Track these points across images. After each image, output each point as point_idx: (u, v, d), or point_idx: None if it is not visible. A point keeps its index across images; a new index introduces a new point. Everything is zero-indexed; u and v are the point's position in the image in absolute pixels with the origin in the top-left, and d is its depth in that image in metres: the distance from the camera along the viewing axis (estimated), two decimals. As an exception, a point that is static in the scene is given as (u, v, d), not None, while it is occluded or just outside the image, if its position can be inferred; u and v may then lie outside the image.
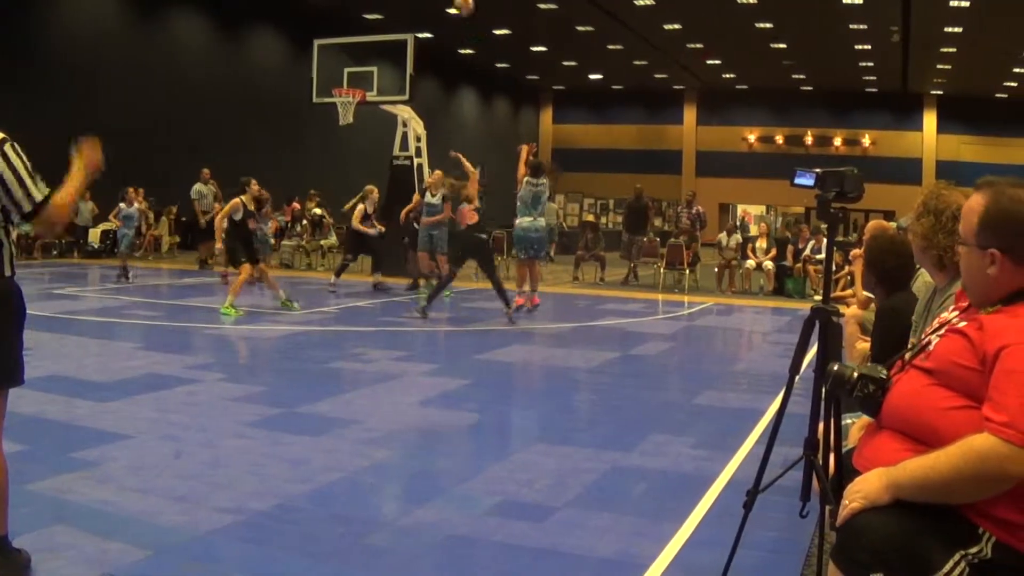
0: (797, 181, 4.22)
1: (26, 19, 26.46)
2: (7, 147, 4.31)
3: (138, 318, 14.44)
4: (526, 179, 16.23)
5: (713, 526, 5.58)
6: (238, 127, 32.72)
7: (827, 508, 3.92)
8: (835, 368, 3.53)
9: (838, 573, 3.05)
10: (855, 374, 3.43)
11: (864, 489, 3.06)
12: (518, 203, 16.47)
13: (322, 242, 26.85)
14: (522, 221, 16.34)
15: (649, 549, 5.21)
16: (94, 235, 27.13)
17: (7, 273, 4.36)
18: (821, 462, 4.02)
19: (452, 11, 19.15)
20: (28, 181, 4.33)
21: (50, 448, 6.81)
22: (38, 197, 4.37)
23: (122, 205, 20.80)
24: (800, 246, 21.80)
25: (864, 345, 6.44)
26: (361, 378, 10.19)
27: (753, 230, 29.44)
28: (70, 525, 5.25)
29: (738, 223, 31.78)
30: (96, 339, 12.17)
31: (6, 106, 24.29)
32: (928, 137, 51.12)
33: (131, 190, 21.19)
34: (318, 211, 27.40)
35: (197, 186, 24.36)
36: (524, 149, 16.63)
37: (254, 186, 15.92)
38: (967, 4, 30.00)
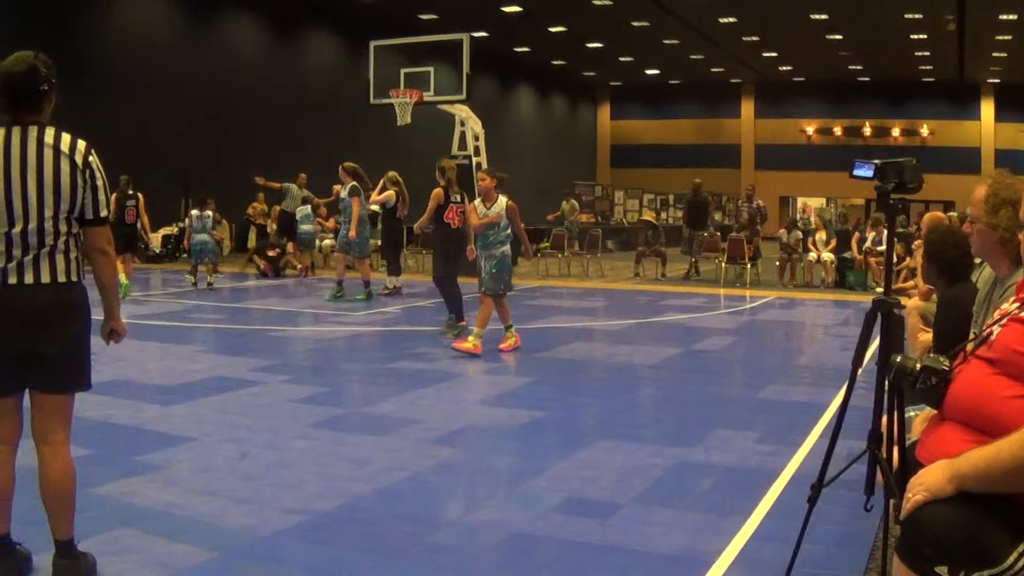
0: (856, 173, 4.20)
1: (80, 25, 26.78)
2: (93, 152, 4.44)
3: (201, 321, 14.58)
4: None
5: (778, 521, 5.54)
6: (293, 130, 32.90)
7: (891, 501, 3.89)
8: (898, 360, 3.50)
9: (903, 567, 3.02)
10: (918, 365, 3.40)
11: (927, 481, 3.03)
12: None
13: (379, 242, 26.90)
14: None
15: (714, 544, 5.18)
16: (155, 240, 27.37)
17: (75, 279, 4.41)
18: (885, 455, 3.99)
19: None
20: (104, 190, 4.43)
21: (115, 452, 6.89)
22: (104, 212, 4.46)
23: (195, 212, 20.81)
24: (865, 235, 21.60)
25: (926, 336, 6.39)
26: (424, 377, 10.20)
27: (811, 222, 29.21)
28: (135, 528, 5.30)
29: (798, 218, 31.45)
30: (159, 343, 12.27)
31: (59, 112, 24.65)
32: (986, 126, 50.63)
33: (210, 201, 21.16)
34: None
35: (291, 188, 24.46)
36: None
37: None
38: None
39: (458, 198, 13.77)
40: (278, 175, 24.28)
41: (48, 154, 4.26)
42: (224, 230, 28.64)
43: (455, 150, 24.32)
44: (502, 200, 12.20)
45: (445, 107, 24.22)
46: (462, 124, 24.29)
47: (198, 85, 30.19)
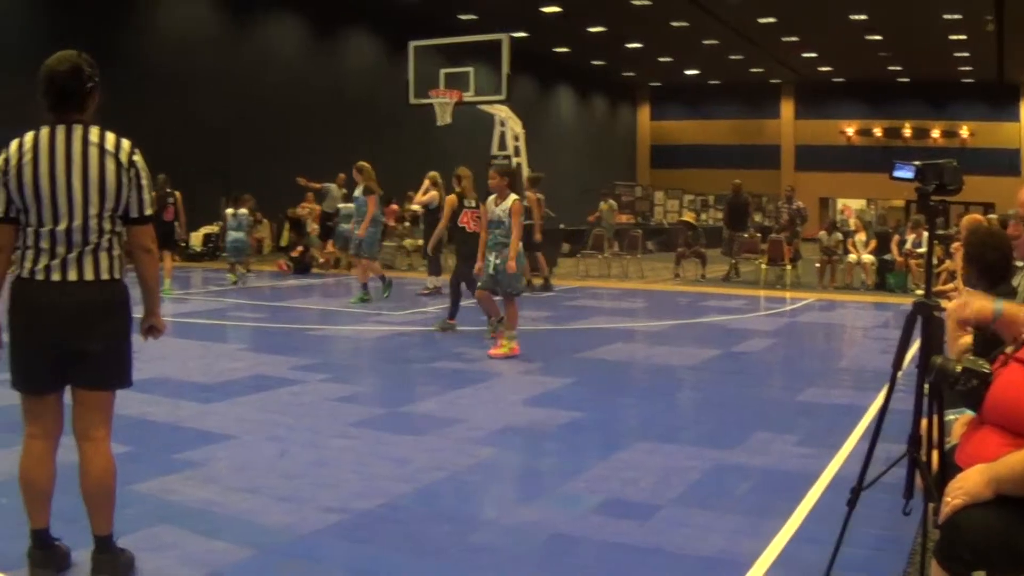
0: (896, 174, 4.19)
1: (122, 22, 26.98)
2: (137, 151, 4.49)
3: (241, 320, 14.66)
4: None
5: (816, 524, 5.51)
6: (334, 130, 33.01)
7: (930, 505, 3.88)
8: (939, 361, 3.49)
9: (941, 571, 3.02)
10: (959, 367, 3.40)
11: (966, 485, 3.02)
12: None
13: (421, 241, 26.99)
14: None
15: (752, 547, 5.16)
16: (196, 239, 27.57)
17: (117, 276, 4.45)
18: (924, 459, 3.98)
19: None
20: (149, 189, 4.48)
21: (155, 449, 6.94)
22: (148, 211, 4.50)
23: (230, 211, 21.02)
24: (905, 237, 21.49)
25: (966, 339, 6.36)
26: (464, 377, 10.22)
27: (850, 224, 29.08)
28: (175, 525, 5.34)
29: (837, 220, 31.33)
30: (200, 341, 12.34)
31: (101, 108, 24.83)
32: (1027, 127, 50.32)
33: (247, 196, 21.37)
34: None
35: (331, 188, 24.54)
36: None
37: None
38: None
39: (472, 203, 14.22)
40: (319, 175, 24.39)
41: (94, 152, 4.30)
42: (264, 229, 28.79)
43: (495, 150, 24.35)
44: (510, 198, 11.77)
45: (485, 107, 24.25)
46: (502, 124, 24.31)
47: (240, 84, 30.36)
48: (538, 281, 20.06)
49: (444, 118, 23.49)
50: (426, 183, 18.69)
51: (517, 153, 24.20)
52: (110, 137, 4.39)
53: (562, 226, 31.46)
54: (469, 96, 23.73)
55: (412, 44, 25.05)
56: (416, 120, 28.71)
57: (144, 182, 4.46)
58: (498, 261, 11.56)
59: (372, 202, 16.67)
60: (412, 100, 24.38)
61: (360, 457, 6.90)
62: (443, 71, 24.32)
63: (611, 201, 32.93)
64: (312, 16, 33.98)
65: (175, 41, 28.84)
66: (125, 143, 4.42)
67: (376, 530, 5.42)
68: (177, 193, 18.46)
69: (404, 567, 4.89)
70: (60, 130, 4.29)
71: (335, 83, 34.55)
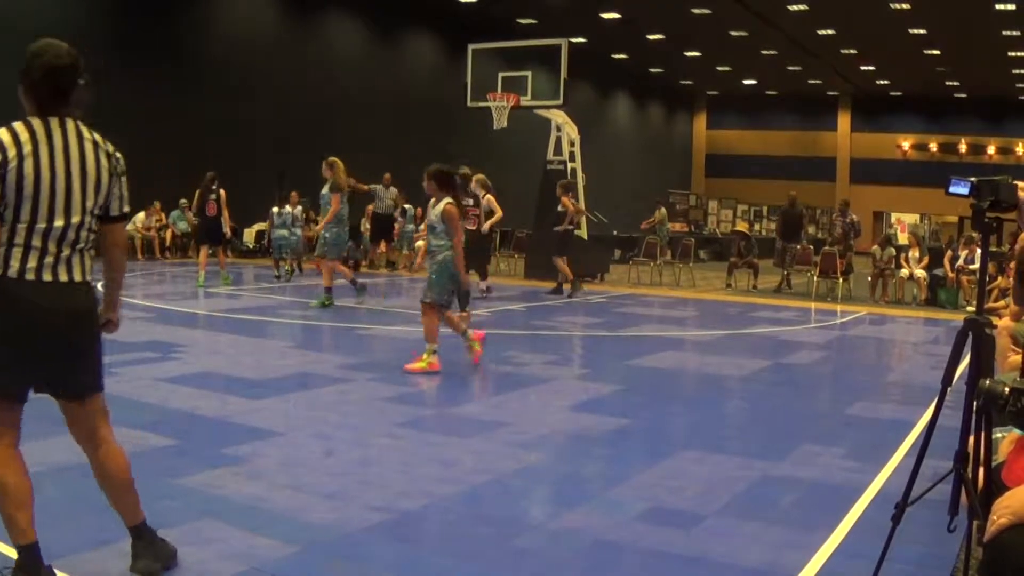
0: (952, 190, 4.16)
1: (183, 20, 27.28)
2: (118, 153, 4.40)
3: (292, 317, 14.70)
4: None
5: (861, 538, 5.45)
6: (390, 130, 33.15)
7: (975, 523, 3.82)
8: (987, 384, 3.45)
9: (984, 589, 2.97)
10: (1007, 388, 3.34)
11: (1013, 505, 2.97)
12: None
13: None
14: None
15: (796, 559, 5.10)
16: (249, 235, 27.82)
17: (89, 277, 4.32)
18: (971, 476, 3.93)
19: None
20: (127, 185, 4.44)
21: (202, 443, 6.95)
22: (128, 208, 4.46)
23: (276, 209, 21.24)
24: (958, 253, 21.34)
25: (1016, 358, 6.27)
26: (512, 381, 10.21)
27: (901, 239, 28.86)
28: (219, 519, 5.34)
29: (890, 234, 31.17)
30: (250, 337, 12.40)
31: (160, 103, 25.01)
32: (1082, 146, 50.00)
33: (294, 194, 21.55)
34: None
35: (378, 189, 24.60)
36: None
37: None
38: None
39: (470, 202, 14.76)
40: (376, 176, 24.40)
41: (88, 147, 4.21)
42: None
43: (550, 155, 24.39)
44: (443, 202, 10.72)
45: (541, 112, 24.26)
46: (558, 129, 24.32)
47: (299, 84, 30.66)
48: (567, 286, 20.11)
49: (500, 122, 23.51)
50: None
51: (572, 159, 24.21)
52: (94, 132, 4.31)
53: (615, 232, 31.45)
54: (526, 100, 23.75)
55: (471, 47, 25.11)
56: (474, 123, 28.77)
57: (125, 178, 4.40)
58: (434, 268, 10.75)
59: (336, 200, 15.90)
60: (470, 103, 24.44)
61: (406, 457, 6.88)
62: (501, 74, 24.35)
63: (663, 209, 32.88)
64: (373, 17, 34.20)
65: (234, 38, 29.07)
66: (103, 138, 4.37)
67: (420, 530, 5.41)
68: (222, 191, 18.56)
69: (447, 569, 4.86)
70: (54, 123, 4.16)
71: (395, 84, 34.74)
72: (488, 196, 17.65)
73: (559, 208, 20.21)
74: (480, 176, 17.30)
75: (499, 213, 18.03)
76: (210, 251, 18.47)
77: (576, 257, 21.00)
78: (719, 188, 55.92)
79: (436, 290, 10.62)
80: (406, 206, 25.50)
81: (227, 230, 19.59)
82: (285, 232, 20.97)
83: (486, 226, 17.99)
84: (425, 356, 10.46)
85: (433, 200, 10.90)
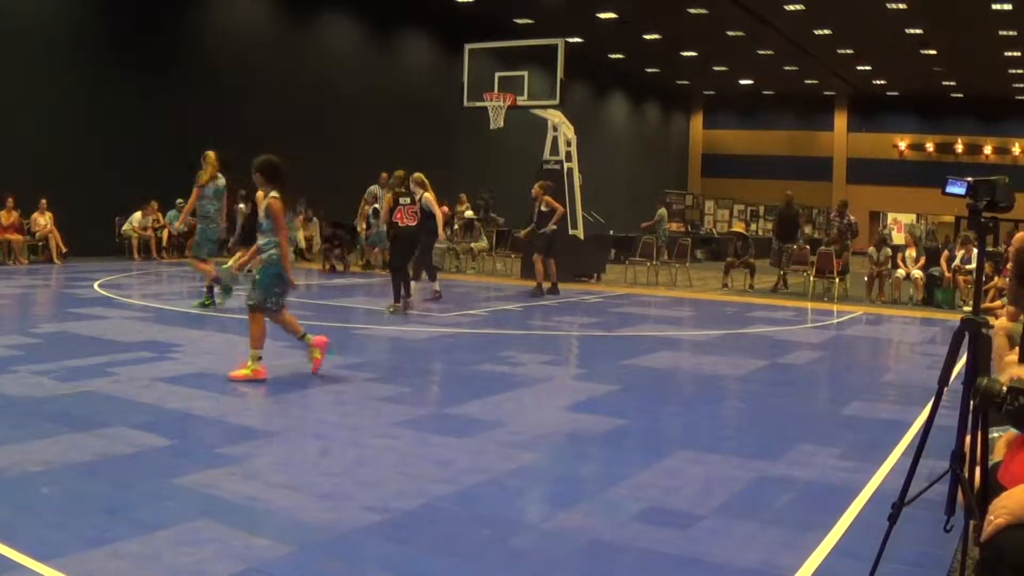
0: (949, 190, 4.18)
1: (180, 20, 27.24)
2: None
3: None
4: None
5: (857, 538, 5.45)
6: (386, 131, 33.11)
7: (972, 523, 3.83)
8: (984, 383, 3.46)
9: (981, 589, 2.98)
10: (1004, 388, 3.35)
11: (1010, 505, 2.98)
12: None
13: (472, 244, 27.14)
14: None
15: (792, 560, 5.11)
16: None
17: None
18: (967, 475, 3.93)
19: None
20: None
21: (198, 443, 6.95)
22: None
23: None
24: (954, 253, 21.37)
25: (1013, 357, 6.28)
26: (508, 381, 10.20)
27: (897, 239, 28.86)
28: (215, 519, 5.33)
29: (885, 234, 31.18)
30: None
31: (157, 103, 25.00)
32: (1079, 146, 50.09)
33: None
34: (469, 214, 27.82)
35: (373, 188, 24.55)
36: None
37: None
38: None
39: (407, 200, 15.60)
40: (374, 176, 24.31)
41: None
42: (314, 228, 28.92)
43: (547, 155, 24.36)
44: (268, 197, 9.86)
45: (538, 112, 24.25)
46: (555, 129, 24.30)
47: (297, 84, 30.60)
48: (546, 284, 20.15)
49: (497, 122, 23.52)
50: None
51: (569, 158, 24.17)
52: None
53: (611, 232, 31.44)
54: (523, 100, 23.74)
55: (467, 47, 25.11)
56: (470, 122, 28.78)
57: None
58: (258, 268, 10.00)
59: (196, 195, 15.00)
60: (466, 103, 24.42)
61: (402, 457, 6.89)
62: (498, 74, 24.33)
63: (663, 209, 32.89)
64: (371, 17, 34.16)
65: (230, 39, 29.07)
66: None
67: (416, 531, 5.40)
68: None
69: (443, 569, 4.86)
70: None
71: (391, 84, 34.74)
72: (427, 195, 16.98)
73: (542, 208, 20.18)
74: (417, 175, 16.88)
75: (438, 213, 17.39)
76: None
77: (570, 258, 21.02)
78: (716, 188, 55.92)
79: (260, 292, 9.80)
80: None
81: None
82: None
83: (442, 235, 18.57)
84: (249, 363, 9.62)
85: (260, 194, 10.12)
